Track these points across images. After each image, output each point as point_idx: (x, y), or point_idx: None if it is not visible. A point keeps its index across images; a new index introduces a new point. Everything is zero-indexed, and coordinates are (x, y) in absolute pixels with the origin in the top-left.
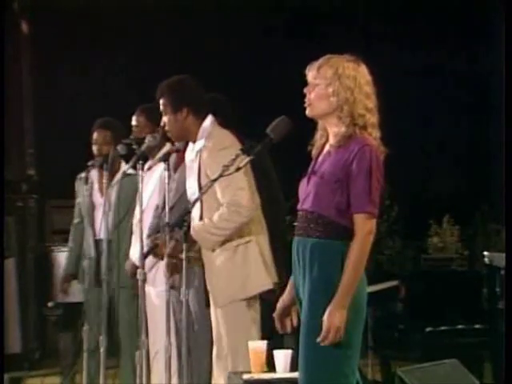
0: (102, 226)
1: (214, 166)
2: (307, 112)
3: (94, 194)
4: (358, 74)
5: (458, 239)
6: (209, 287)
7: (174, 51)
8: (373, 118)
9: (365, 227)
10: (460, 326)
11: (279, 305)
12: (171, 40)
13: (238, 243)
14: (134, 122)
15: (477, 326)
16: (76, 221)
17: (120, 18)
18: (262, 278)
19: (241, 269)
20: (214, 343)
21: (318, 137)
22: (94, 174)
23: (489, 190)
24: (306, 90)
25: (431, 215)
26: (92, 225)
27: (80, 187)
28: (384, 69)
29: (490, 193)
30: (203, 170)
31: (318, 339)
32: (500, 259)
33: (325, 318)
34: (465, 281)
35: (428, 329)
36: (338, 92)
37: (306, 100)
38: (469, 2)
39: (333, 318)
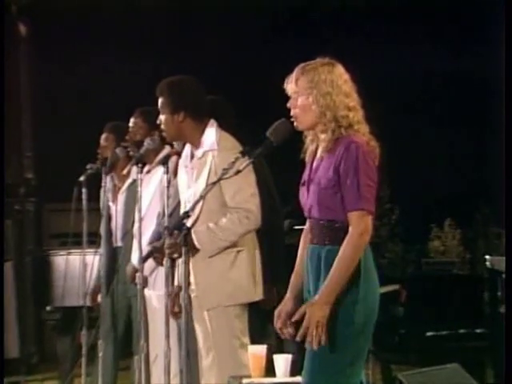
0: (104, 233)
1: None
2: (296, 127)
3: (109, 203)
4: (334, 76)
5: (459, 243)
6: (195, 290)
7: (174, 51)
8: (357, 116)
9: (359, 225)
10: (461, 330)
11: (282, 309)
12: (171, 40)
13: (231, 250)
14: (130, 124)
15: (478, 331)
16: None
17: (118, 19)
18: (250, 289)
19: (230, 275)
20: (203, 349)
21: (309, 142)
22: (109, 183)
23: (490, 194)
24: (289, 105)
25: (432, 219)
26: (109, 234)
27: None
28: (383, 69)
29: (491, 196)
30: (214, 174)
31: (298, 336)
32: (501, 263)
33: (307, 310)
34: (466, 285)
35: (429, 333)
36: (317, 100)
37: (292, 114)
38: (469, 2)
39: (313, 312)
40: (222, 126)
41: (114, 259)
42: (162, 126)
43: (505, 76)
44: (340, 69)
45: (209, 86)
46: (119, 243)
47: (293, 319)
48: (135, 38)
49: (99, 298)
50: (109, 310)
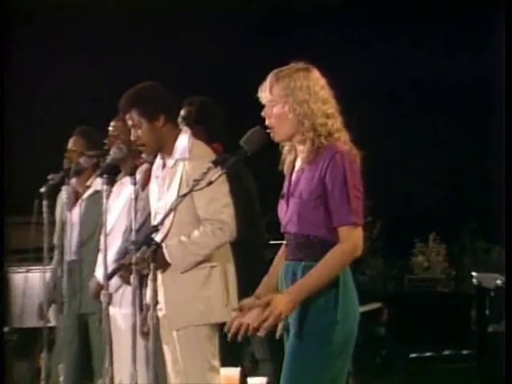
0: (63, 246)
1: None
2: (273, 138)
3: (64, 212)
4: (310, 82)
5: (444, 258)
6: (164, 308)
7: (157, 53)
8: (336, 123)
9: (351, 239)
10: (447, 352)
11: (240, 303)
12: (153, 42)
13: (204, 266)
14: (110, 128)
15: (465, 352)
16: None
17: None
18: (223, 308)
19: (202, 293)
20: (172, 372)
21: (286, 152)
22: (65, 191)
23: (477, 206)
24: (263, 114)
25: (416, 233)
26: (62, 246)
27: (58, 204)
28: (376, 73)
29: (478, 209)
30: (185, 183)
31: (260, 319)
32: (489, 280)
33: (272, 301)
34: (452, 303)
35: (413, 354)
36: (293, 108)
37: (267, 124)
38: (468, 5)
39: (278, 304)
40: (211, 129)
41: (68, 274)
42: (140, 141)
43: (505, 83)
44: (316, 74)
45: (197, 89)
46: (73, 256)
47: (257, 302)
48: (102, 43)
49: (49, 314)
50: (64, 329)
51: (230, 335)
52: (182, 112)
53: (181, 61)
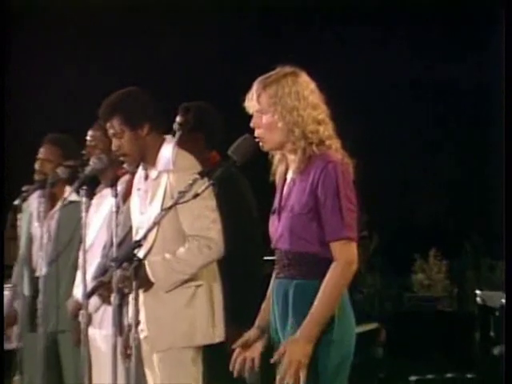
0: (38, 260)
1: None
2: (262, 147)
3: (33, 224)
4: (299, 87)
5: (446, 276)
6: (146, 329)
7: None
8: (327, 130)
9: (345, 255)
10: (449, 375)
11: (244, 337)
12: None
13: (189, 285)
14: (88, 137)
15: (468, 375)
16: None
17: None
18: (207, 330)
19: (186, 313)
20: None
21: (277, 162)
22: (33, 201)
23: (481, 221)
24: (252, 125)
25: (416, 248)
26: (29, 259)
27: (22, 217)
28: (372, 76)
29: (482, 223)
30: (170, 196)
31: (278, 377)
32: (494, 298)
33: (287, 349)
34: (454, 323)
35: (412, 377)
36: (283, 116)
37: (257, 135)
38: (467, 7)
39: (295, 350)
40: (209, 137)
41: (34, 290)
42: (122, 151)
43: (505, 92)
44: (305, 77)
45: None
46: (46, 271)
47: (271, 361)
48: (95, 47)
49: (14, 331)
50: (38, 350)
51: (235, 372)
52: (178, 118)
53: (172, 64)
